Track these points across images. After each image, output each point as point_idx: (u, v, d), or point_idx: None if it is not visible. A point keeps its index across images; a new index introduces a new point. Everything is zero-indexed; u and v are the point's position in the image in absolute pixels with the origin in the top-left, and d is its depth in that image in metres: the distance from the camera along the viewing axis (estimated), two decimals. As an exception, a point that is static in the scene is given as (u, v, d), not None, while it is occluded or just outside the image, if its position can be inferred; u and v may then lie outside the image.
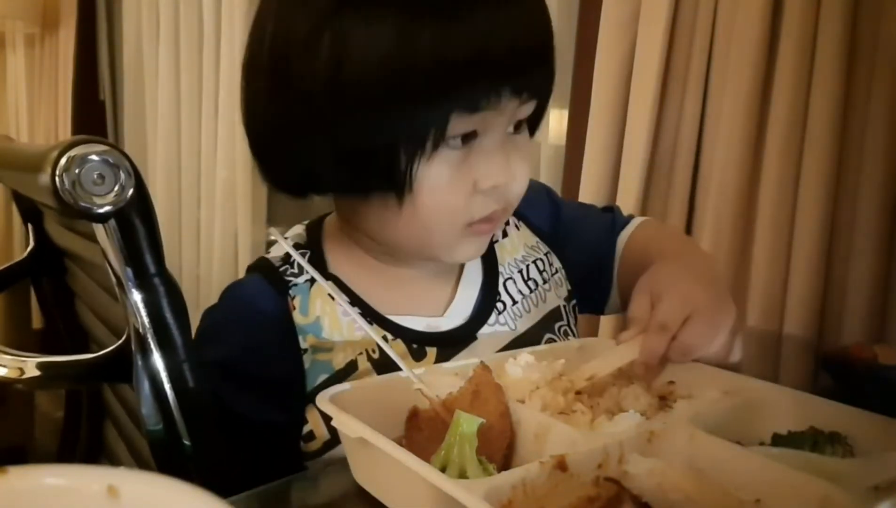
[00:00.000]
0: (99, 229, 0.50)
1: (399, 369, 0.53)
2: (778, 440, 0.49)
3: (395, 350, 0.57)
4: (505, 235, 0.74)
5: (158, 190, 2.36)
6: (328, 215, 0.71)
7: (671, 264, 0.64)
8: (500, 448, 0.47)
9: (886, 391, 0.67)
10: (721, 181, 1.15)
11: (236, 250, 2.18)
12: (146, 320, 0.52)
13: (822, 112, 1.04)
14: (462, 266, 0.70)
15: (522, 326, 0.70)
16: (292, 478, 0.53)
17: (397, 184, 0.55)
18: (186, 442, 0.54)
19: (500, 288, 0.70)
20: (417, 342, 0.64)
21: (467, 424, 0.43)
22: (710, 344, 0.55)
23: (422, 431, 0.49)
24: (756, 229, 1.13)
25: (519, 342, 0.67)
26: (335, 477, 0.50)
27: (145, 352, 0.52)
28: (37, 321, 2.89)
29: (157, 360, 0.52)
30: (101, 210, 0.47)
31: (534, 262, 0.73)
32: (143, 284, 0.51)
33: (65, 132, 2.65)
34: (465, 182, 0.57)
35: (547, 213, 0.78)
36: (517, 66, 0.54)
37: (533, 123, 0.63)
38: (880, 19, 1.01)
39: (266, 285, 0.63)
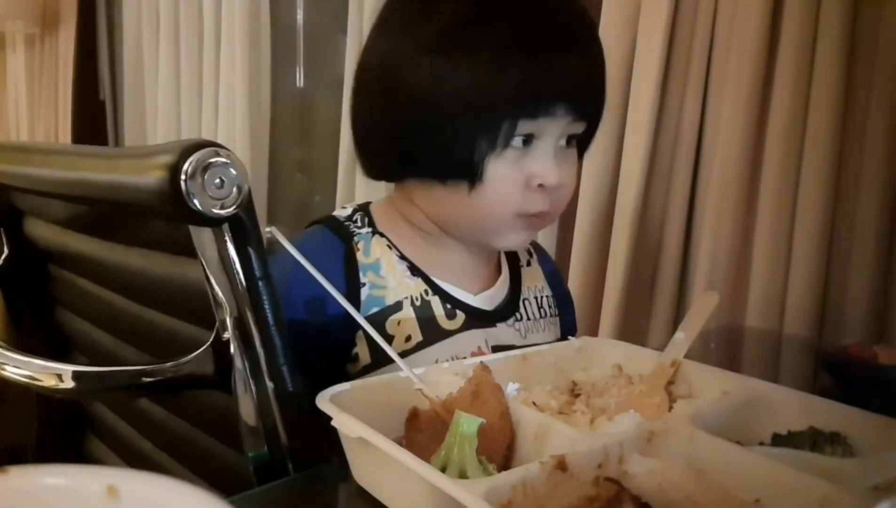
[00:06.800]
0: (200, 233, 0.50)
1: (398, 367, 0.53)
2: (778, 440, 0.49)
3: (434, 305, 0.71)
4: (528, 264, 0.83)
5: (158, 190, 2.35)
6: (371, 203, 0.78)
7: None
8: (500, 448, 0.47)
9: (886, 391, 0.67)
10: (721, 181, 1.15)
11: (236, 250, 2.17)
12: (253, 325, 0.51)
13: (822, 112, 1.05)
14: (499, 271, 0.79)
15: (531, 339, 0.77)
16: (292, 478, 0.53)
17: (472, 174, 0.66)
18: (290, 464, 0.54)
19: (521, 303, 0.78)
20: (451, 304, 0.72)
21: (467, 424, 0.43)
22: None
23: (422, 431, 0.49)
24: (756, 230, 1.14)
25: None
26: (335, 477, 0.50)
27: (251, 358, 0.52)
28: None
29: (263, 365, 0.52)
30: (220, 214, 0.47)
31: (545, 296, 0.83)
32: (250, 287, 0.51)
33: (65, 132, 2.65)
34: (521, 178, 0.67)
35: (555, 275, 0.89)
36: (575, 94, 0.67)
37: (582, 144, 0.74)
38: (880, 19, 1.01)
39: (332, 233, 0.72)
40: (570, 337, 0.68)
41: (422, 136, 0.67)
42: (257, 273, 0.51)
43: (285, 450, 0.54)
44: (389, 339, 0.68)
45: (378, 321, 0.68)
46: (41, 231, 0.81)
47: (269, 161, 2.20)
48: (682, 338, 0.61)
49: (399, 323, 0.69)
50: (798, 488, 0.39)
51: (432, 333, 0.70)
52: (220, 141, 1.91)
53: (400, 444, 0.43)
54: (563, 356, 0.64)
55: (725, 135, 1.14)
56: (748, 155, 1.13)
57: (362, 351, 0.68)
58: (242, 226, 0.50)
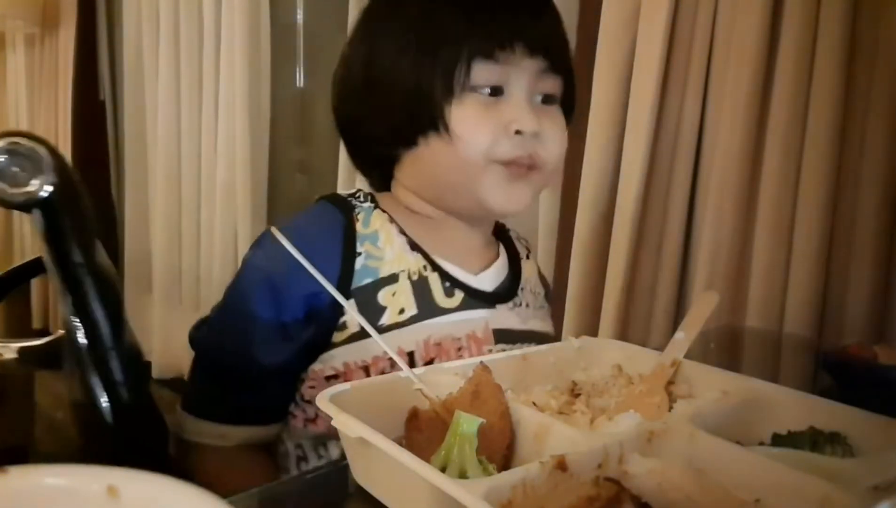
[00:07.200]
0: (34, 218, 0.51)
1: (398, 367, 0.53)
2: (778, 440, 0.49)
3: (431, 281, 0.71)
4: (528, 257, 0.84)
5: (159, 190, 2.35)
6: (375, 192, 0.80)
7: None
8: (500, 448, 0.47)
9: (886, 391, 0.67)
10: (721, 181, 1.15)
11: (236, 250, 2.18)
12: (72, 309, 0.53)
13: (822, 112, 1.05)
14: (498, 252, 0.80)
15: (530, 326, 0.77)
16: (292, 478, 0.53)
17: (436, 122, 0.67)
18: (109, 422, 0.55)
19: (520, 291, 0.78)
20: (450, 282, 0.72)
21: (467, 424, 0.43)
22: None
23: (422, 432, 0.49)
24: (756, 229, 1.13)
25: (521, 337, 0.75)
26: (335, 477, 0.51)
27: (72, 341, 0.54)
28: (36, 321, 2.89)
29: (83, 348, 0.54)
30: (20, 200, 0.49)
31: (538, 293, 0.83)
32: (69, 274, 0.53)
33: (65, 132, 2.65)
34: (494, 123, 0.67)
35: (548, 285, 0.90)
36: (521, 19, 0.68)
37: (566, 105, 0.74)
38: (880, 19, 1.01)
39: (333, 205, 0.73)
40: (570, 337, 0.68)
41: (389, 92, 0.69)
42: (76, 260, 0.53)
43: (109, 433, 0.56)
44: (381, 310, 0.68)
45: (371, 291, 0.68)
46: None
47: (269, 161, 2.20)
48: (682, 338, 0.61)
49: (394, 295, 0.69)
50: (798, 488, 0.39)
51: (427, 309, 0.70)
52: (219, 142, 1.93)
53: (400, 444, 0.43)
54: (563, 356, 0.64)
55: (725, 135, 1.14)
56: (748, 155, 1.13)
57: (350, 320, 0.68)
58: (55, 212, 0.51)
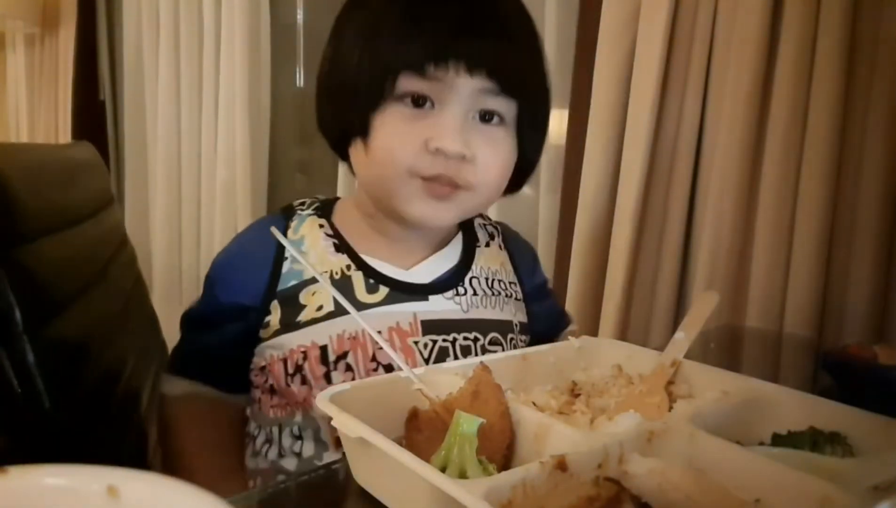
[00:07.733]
0: None
1: (398, 368, 0.53)
2: (778, 441, 0.49)
3: (354, 280, 0.72)
4: (487, 245, 0.82)
5: (159, 190, 2.35)
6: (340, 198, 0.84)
7: None
8: (500, 448, 0.47)
9: (886, 391, 0.67)
10: (721, 181, 1.15)
11: (236, 250, 2.17)
12: None
13: (822, 112, 1.05)
14: (442, 248, 0.79)
15: (474, 314, 0.76)
16: (292, 478, 0.53)
17: (361, 128, 0.68)
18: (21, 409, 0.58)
19: (466, 280, 0.78)
20: (375, 278, 0.73)
21: (467, 424, 0.43)
22: None
23: (422, 431, 0.49)
24: (756, 229, 1.14)
25: (459, 327, 0.74)
26: (335, 477, 0.51)
27: None
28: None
29: None
30: None
31: (497, 280, 0.81)
32: None
33: (65, 132, 2.65)
34: (416, 137, 0.66)
35: (528, 267, 0.87)
36: (462, 34, 0.64)
37: (526, 126, 0.70)
38: (880, 19, 1.01)
39: (279, 214, 0.78)
40: (569, 337, 0.68)
41: (336, 93, 0.71)
42: None
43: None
44: (301, 308, 0.71)
45: (294, 292, 0.71)
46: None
47: (269, 161, 2.20)
48: (682, 338, 0.61)
49: (314, 294, 0.71)
50: (798, 488, 0.39)
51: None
52: (219, 141, 1.95)
53: (400, 444, 0.43)
54: (563, 356, 0.64)
55: (725, 135, 1.14)
56: (748, 155, 1.13)
57: (274, 319, 0.72)
58: None
